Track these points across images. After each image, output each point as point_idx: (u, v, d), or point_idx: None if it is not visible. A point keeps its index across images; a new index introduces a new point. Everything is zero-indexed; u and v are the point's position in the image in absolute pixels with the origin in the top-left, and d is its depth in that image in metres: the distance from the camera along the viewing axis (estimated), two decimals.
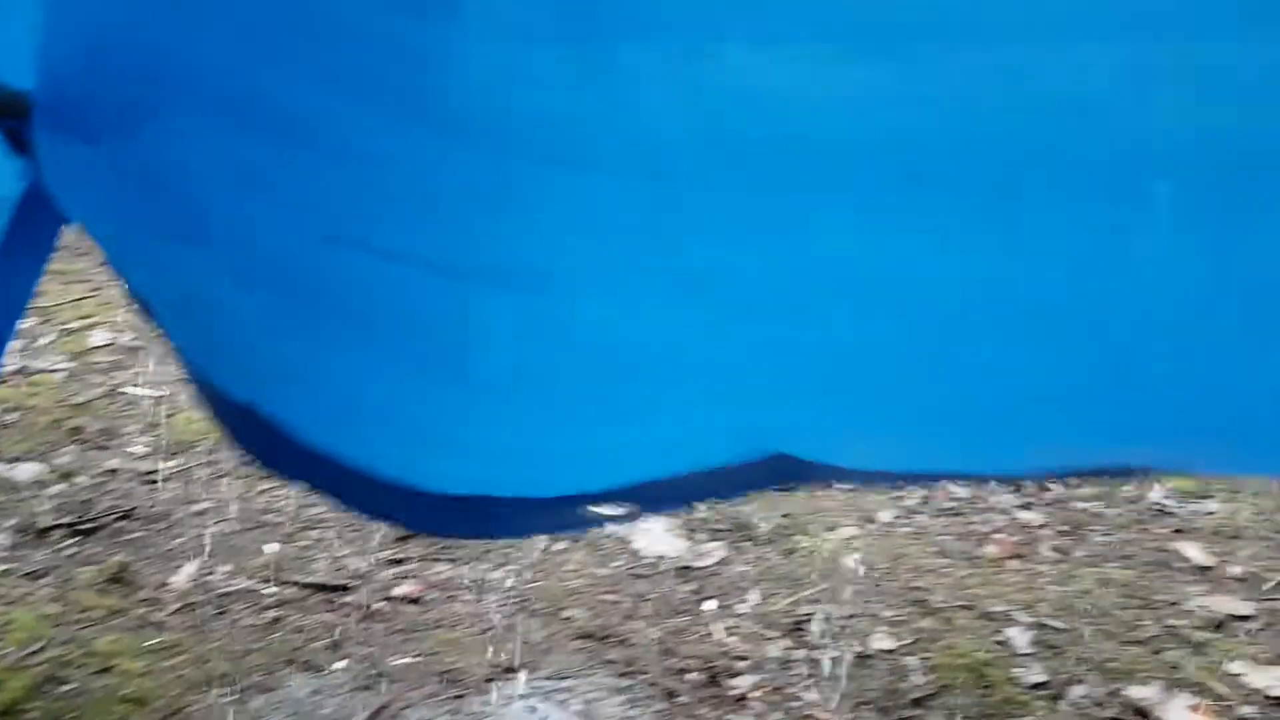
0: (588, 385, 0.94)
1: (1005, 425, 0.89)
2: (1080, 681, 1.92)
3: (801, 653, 2.04)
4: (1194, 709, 1.85)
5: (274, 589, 2.17)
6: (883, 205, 0.76)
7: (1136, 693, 1.89)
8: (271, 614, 2.10)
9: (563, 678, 1.96)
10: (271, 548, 2.29)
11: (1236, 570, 2.23)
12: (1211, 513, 2.43)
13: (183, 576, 2.23)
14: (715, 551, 2.34)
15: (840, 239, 0.78)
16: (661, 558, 2.33)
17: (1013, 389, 0.85)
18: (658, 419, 0.96)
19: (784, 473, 1.03)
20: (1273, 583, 2.17)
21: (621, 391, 0.94)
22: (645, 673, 1.98)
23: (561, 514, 1.11)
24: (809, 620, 2.11)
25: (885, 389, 0.88)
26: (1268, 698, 1.88)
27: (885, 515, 2.47)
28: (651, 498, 1.07)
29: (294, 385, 1.00)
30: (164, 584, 2.21)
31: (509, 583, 2.21)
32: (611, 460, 1.01)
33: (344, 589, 2.16)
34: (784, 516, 2.46)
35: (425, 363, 0.93)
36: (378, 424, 1.02)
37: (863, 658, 2.02)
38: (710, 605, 2.18)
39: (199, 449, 2.63)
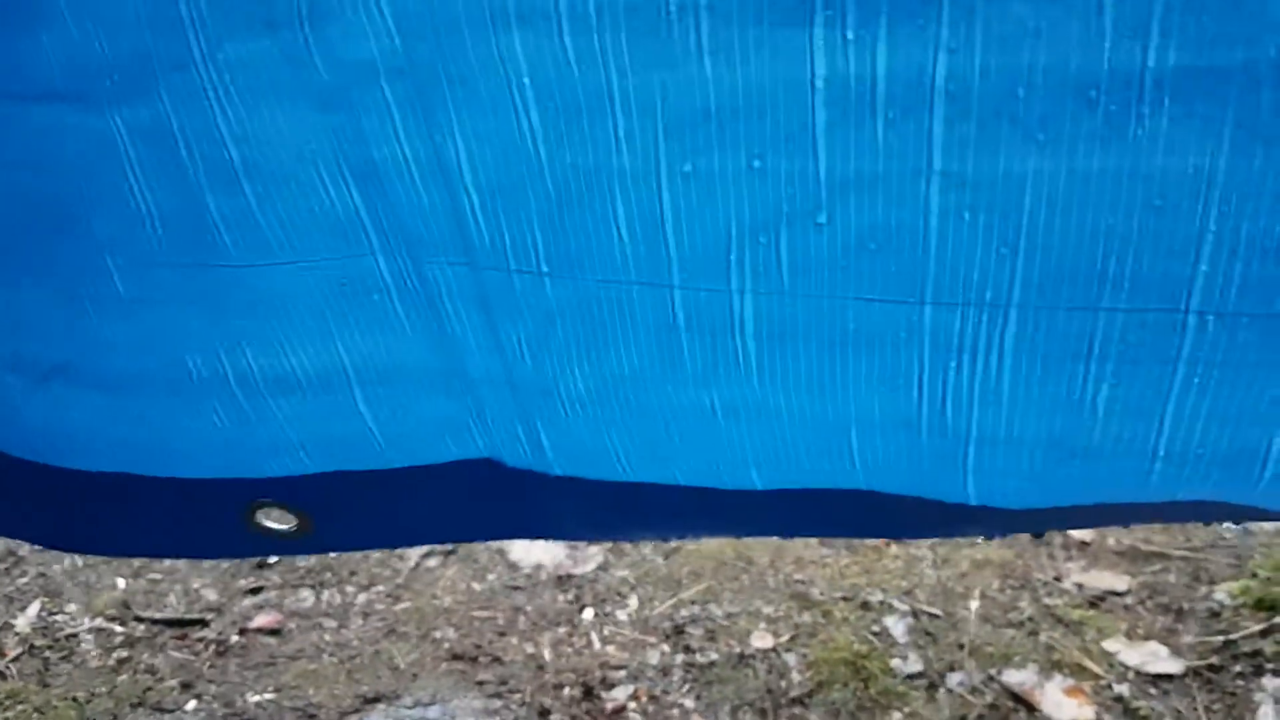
0: (237, 347, 0.79)
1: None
2: (957, 668, 1.90)
3: (681, 657, 1.99)
4: (1070, 691, 1.83)
5: (123, 627, 2.04)
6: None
7: (1013, 677, 1.87)
8: (120, 654, 1.98)
9: (429, 704, 1.87)
10: (121, 582, 2.16)
11: (1114, 543, 2.22)
12: None
13: (26, 618, 2.09)
14: (595, 557, 2.28)
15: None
16: (539, 567, 2.25)
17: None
18: (326, 402, 0.82)
19: (489, 485, 0.87)
20: (1148, 555, 2.18)
21: (285, 367, 0.80)
22: (518, 691, 1.91)
23: (215, 515, 0.93)
24: (689, 623, 2.06)
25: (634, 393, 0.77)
26: (1141, 674, 1.87)
27: None
28: (325, 502, 0.90)
29: None
30: (6, 627, 2.07)
31: (377, 606, 2.12)
32: (277, 443, 0.85)
33: (198, 623, 2.05)
34: None
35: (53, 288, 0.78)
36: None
37: (742, 657, 1.97)
38: (588, 614, 2.11)
39: None
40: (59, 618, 2.08)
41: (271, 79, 0.67)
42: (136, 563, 2.21)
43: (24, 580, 2.19)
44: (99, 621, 2.06)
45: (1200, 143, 0.57)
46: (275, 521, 0.92)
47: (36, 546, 2.27)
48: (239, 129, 0.69)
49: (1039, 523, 0.80)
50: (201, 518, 0.94)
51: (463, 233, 0.71)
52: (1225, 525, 2.24)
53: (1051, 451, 0.72)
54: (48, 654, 1.98)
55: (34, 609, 2.10)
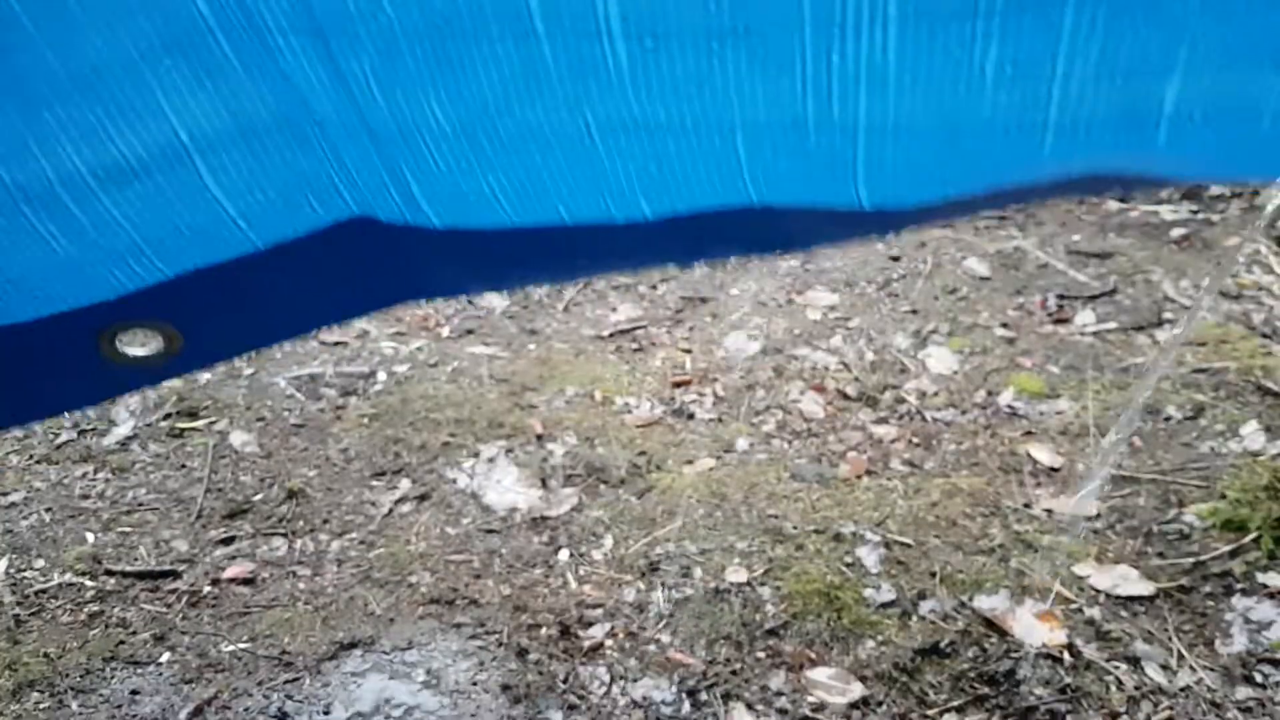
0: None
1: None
2: (929, 596, 1.91)
3: (657, 594, 1.99)
4: (1041, 616, 1.85)
5: (93, 581, 2.02)
6: None
7: (984, 603, 1.89)
8: (91, 608, 1.96)
9: (407, 648, 1.87)
10: (90, 536, 2.14)
11: (1083, 469, 2.24)
12: (1060, 412, 2.45)
13: None
14: (569, 499, 2.27)
15: None
16: (514, 510, 2.25)
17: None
18: (168, 186, 0.70)
19: (367, 249, 0.78)
20: (1118, 480, 2.19)
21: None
22: (496, 633, 1.91)
23: (66, 357, 0.81)
24: (664, 560, 2.06)
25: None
26: (1112, 597, 1.89)
27: (742, 443, 2.43)
28: (191, 309, 0.79)
29: None
30: None
31: (350, 552, 2.11)
32: (123, 251, 0.74)
33: (170, 575, 2.03)
34: (640, 455, 2.40)
35: None
36: None
37: (718, 592, 1.98)
38: (564, 555, 2.11)
39: (10, 435, 2.44)
40: (28, 574, 2.05)
41: None
42: (105, 515, 2.19)
43: None
44: (69, 576, 2.04)
45: None
46: (139, 346, 0.83)
47: (1, 503, 2.24)
48: None
49: (932, 217, 0.77)
50: (51, 364, 0.83)
51: None
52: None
53: (942, 135, 0.68)
54: (17, 610, 1.96)
55: (1, 566, 2.07)
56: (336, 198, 0.76)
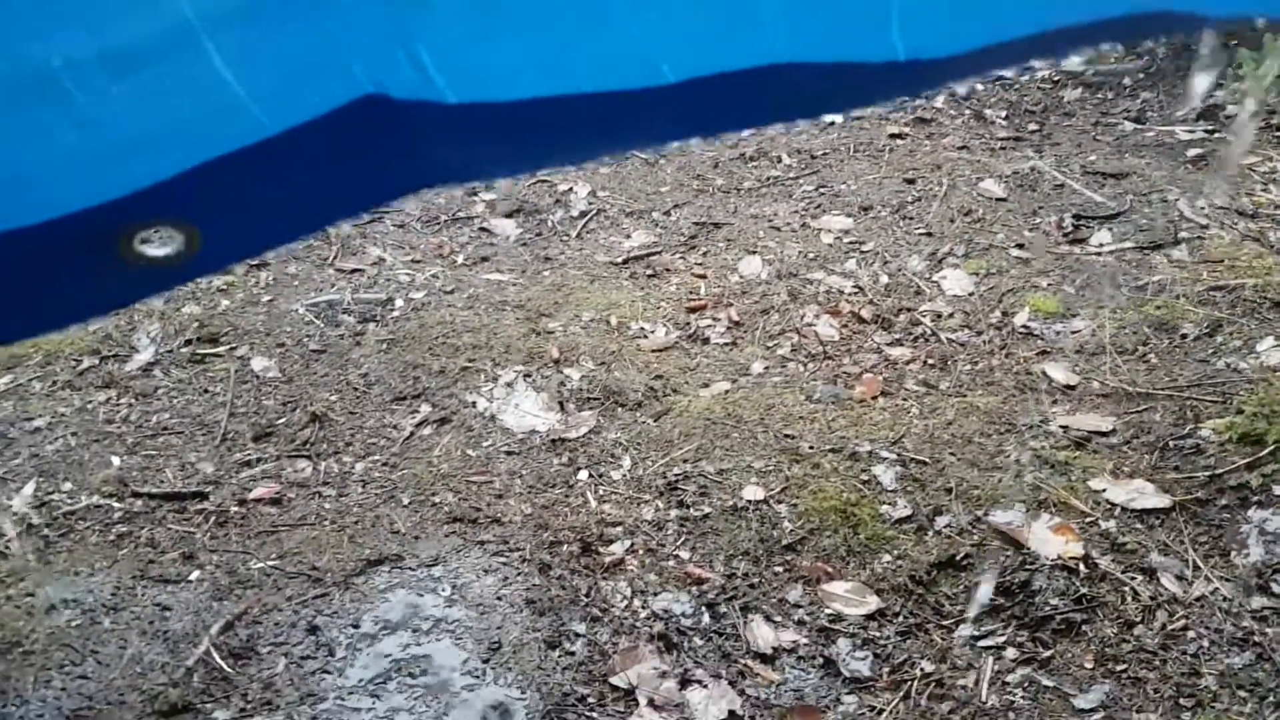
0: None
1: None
2: (945, 512, 1.94)
3: (675, 512, 2.02)
4: (1057, 529, 1.87)
5: (121, 503, 2.06)
6: None
7: (1000, 517, 1.91)
8: (120, 529, 2.00)
9: (433, 564, 1.90)
10: (115, 460, 2.17)
11: (1098, 386, 2.25)
12: (1076, 331, 2.45)
13: (22, 499, 2.10)
14: (587, 420, 2.29)
15: None
16: (533, 432, 2.27)
17: None
18: (180, 70, 0.67)
19: (377, 131, 0.76)
20: (1136, 395, 2.20)
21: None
22: (519, 550, 1.94)
23: (86, 259, 0.78)
24: (682, 480, 2.09)
25: None
26: (1128, 510, 1.91)
27: (757, 367, 2.44)
28: (209, 202, 0.77)
29: None
30: (3, 507, 2.08)
31: (374, 474, 2.14)
32: (139, 143, 0.71)
33: (196, 496, 2.06)
34: (656, 378, 2.42)
35: None
36: None
37: (735, 509, 2.00)
38: (583, 475, 2.13)
39: (32, 362, 2.47)
40: (56, 497, 2.09)
41: None
42: (130, 439, 2.22)
43: (16, 461, 2.19)
44: (96, 499, 2.07)
45: None
46: (158, 246, 0.79)
47: (27, 428, 2.27)
48: None
49: (968, 69, 0.73)
50: (68, 269, 0.79)
51: None
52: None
53: None
54: (47, 532, 2.00)
55: (29, 489, 2.11)
56: (348, 74, 0.73)
